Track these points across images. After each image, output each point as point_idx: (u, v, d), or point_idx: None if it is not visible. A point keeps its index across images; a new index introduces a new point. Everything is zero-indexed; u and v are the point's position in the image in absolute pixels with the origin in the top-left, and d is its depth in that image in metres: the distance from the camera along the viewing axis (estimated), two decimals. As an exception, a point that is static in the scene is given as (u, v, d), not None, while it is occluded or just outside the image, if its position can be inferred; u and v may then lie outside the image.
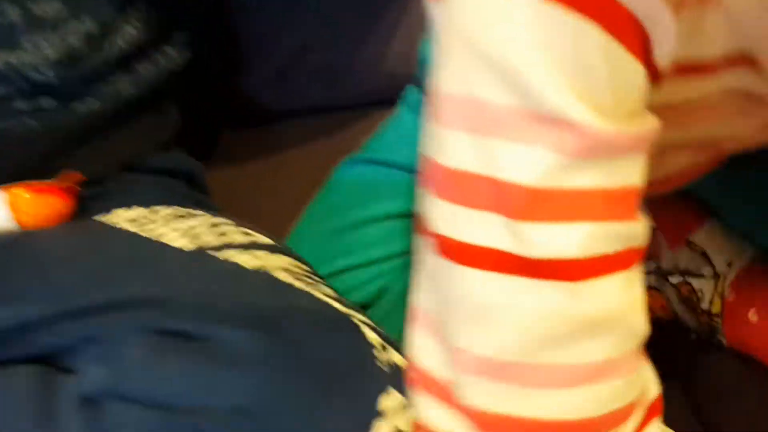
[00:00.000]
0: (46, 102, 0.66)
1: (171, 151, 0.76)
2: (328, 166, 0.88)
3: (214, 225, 0.60)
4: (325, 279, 0.61)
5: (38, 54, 0.65)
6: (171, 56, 0.76)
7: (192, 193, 0.74)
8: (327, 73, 0.91)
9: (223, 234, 0.59)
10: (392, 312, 0.72)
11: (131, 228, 0.60)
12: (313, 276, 0.59)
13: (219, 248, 0.56)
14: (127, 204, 0.66)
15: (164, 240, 0.57)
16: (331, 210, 0.78)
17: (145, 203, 0.66)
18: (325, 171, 0.89)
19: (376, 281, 0.73)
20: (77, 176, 0.65)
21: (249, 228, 0.62)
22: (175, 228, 0.59)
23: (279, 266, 0.56)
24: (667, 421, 0.53)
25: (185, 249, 0.55)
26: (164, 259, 0.54)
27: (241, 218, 0.66)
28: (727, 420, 0.71)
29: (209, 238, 0.57)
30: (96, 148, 0.69)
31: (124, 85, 0.70)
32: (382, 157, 0.79)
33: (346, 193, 0.78)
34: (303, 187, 0.88)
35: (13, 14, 0.64)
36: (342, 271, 0.72)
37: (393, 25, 0.87)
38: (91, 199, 0.66)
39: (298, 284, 0.54)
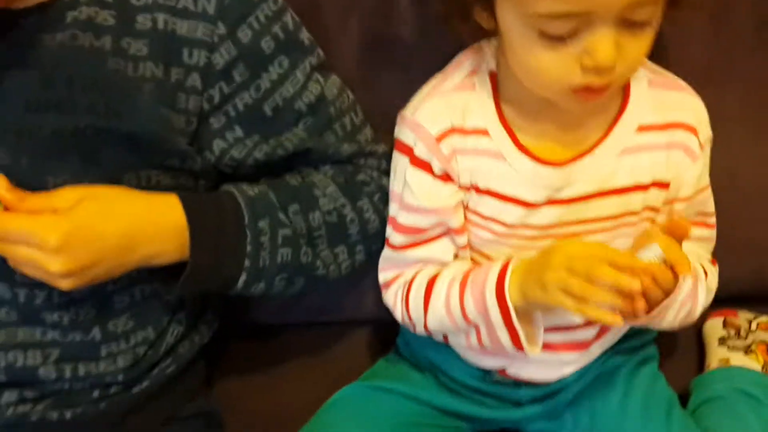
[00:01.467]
0: (113, 388, 0.89)
1: (197, 396, 0.99)
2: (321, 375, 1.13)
3: None
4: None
5: (113, 365, 0.88)
6: (203, 332, 0.99)
7: None
8: (319, 311, 1.16)
9: None
10: None
11: None
12: None
13: None
14: None
15: None
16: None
17: None
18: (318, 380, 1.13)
19: None
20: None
21: None
22: None
23: None
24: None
25: None
26: None
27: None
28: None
29: None
30: (145, 413, 0.92)
31: (167, 365, 0.93)
32: (375, 384, 1.04)
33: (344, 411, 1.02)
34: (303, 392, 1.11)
35: (96, 333, 0.87)
36: None
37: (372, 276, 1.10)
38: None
39: None
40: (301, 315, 1.17)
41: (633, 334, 1.05)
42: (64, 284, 0.78)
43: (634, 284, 0.80)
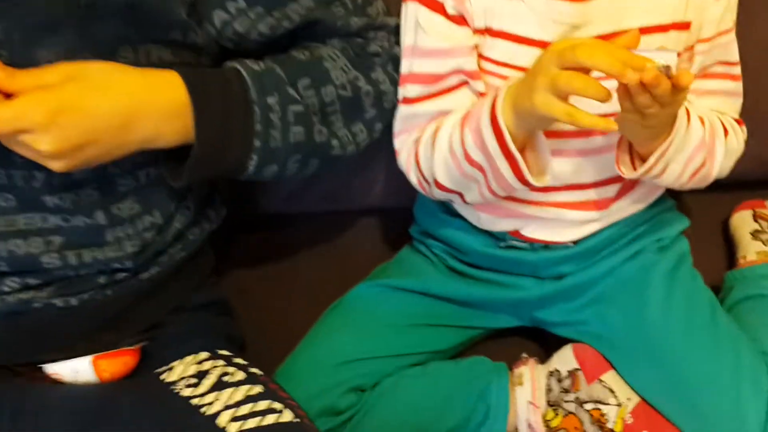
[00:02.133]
0: (120, 274, 0.85)
1: (206, 286, 0.96)
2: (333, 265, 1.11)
3: (251, 398, 0.79)
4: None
5: (119, 250, 0.84)
6: (211, 218, 0.95)
7: (223, 327, 0.95)
8: (330, 199, 1.11)
9: (258, 413, 0.78)
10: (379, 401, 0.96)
11: (188, 392, 0.81)
12: None
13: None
14: (180, 355, 0.86)
15: (214, 411, 0.78)
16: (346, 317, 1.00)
17: (194, 349, 0.87)
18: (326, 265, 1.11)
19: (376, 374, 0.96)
20: (141, 346, 0.86)
21: (276, 400, 0.80)
22: (222, 400, 0.79)
23: None
24: None
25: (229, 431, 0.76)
26: None
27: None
28: None
29: (248, 422, 0.77)
30: (153, 301, 0.89)
31: (176, 251, 0.90)
32: (388, 282, 1.02)
33: (354, 312, 1.01)
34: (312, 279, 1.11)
35: (100, 217, 0.83)
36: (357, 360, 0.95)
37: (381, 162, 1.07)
38: (152, 349, 0.87)
39: None
40: (311, 204, 1.13)
41: (658, 219, 1.00)
42: (56, 165, 0.73)
43: (629, 74, 0.73)
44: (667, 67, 0.74)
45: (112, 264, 0.84)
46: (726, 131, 0.92)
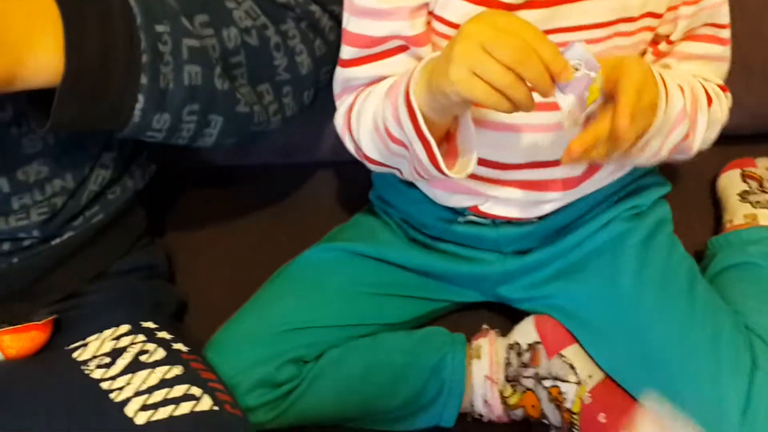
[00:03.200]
0: (27, 241, 0.77)
1: (134, 249, 0.88)
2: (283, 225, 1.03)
3: (167, 383, 0.71)
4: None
5: (26, 219, 0.75)
6: (136, 176, 0.86)
7: (152, 293, 0.87)
8: (282, 148, 1.02)
9: (172, 401, 0.70)
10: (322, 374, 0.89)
11: (99, 373, 0.73)
12: None
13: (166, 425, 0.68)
14: (99, 328, 0.78)
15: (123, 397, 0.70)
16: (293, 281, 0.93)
17: (114, 322, 0.79)
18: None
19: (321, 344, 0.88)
20: (51, 320, 0.78)
21: (196, 384, 0.72)
22: (135, 385, 0.71)
23: None
24: None
25: (136, 422, 0.68)
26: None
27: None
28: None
29: (159, 412, 0.69)
30: (69, 268, 0.81)
31: (93, 214, 0.81)
32: (342, 246, 0.94)
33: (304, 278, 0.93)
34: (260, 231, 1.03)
35: (3, 184, 0.74)
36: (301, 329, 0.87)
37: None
38: (69, 322, 0.79)
39: None
40: (258, 156, 1.04)
41: (635, 185, 0.91)
42: None
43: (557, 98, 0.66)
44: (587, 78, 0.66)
45: (17, 234, 0.76)
46: (710, 99, 0.83)
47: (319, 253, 0.94)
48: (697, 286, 0.88)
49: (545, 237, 0.91)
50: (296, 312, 0.89)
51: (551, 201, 0.88)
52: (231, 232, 1.04)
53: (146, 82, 0.69)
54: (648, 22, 0.80)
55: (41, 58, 0.65)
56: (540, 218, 0.89)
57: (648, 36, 0.81)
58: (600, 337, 0.89)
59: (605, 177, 0.88)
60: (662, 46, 0.84)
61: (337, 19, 0.83)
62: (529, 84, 0.66)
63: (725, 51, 0.86)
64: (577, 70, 0.67)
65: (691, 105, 0.79)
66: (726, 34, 0.85)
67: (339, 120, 0.84)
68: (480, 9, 0.76)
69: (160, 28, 0.69)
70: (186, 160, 1.02)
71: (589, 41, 0.76)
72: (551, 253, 0.91)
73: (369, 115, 0.78)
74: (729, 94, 0.86)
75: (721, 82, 0.86)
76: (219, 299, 0.96)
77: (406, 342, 0.92)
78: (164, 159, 0.92)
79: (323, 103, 0.87)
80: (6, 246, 0.77)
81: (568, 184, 0.86)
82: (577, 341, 0.90)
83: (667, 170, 0.97)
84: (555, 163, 0.84)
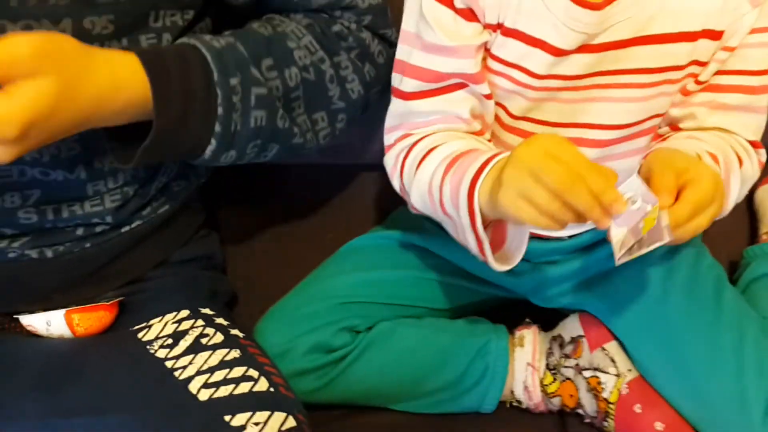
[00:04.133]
0: (100, 227, 0.82)
1: (193, 240, 0.93)
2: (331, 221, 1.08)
3: (226, 364, 0.76)
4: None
5: (100, 205, 0.80)
6: (200, 171, 0.91)
7: (209, 282, 0.92)
8: (330, 149, 1.06)
9: (232, 380, 0.75)
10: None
11: (163, 353, 0.78)
12: None
13: (226, 403, 0.73)
14: (160, 312, 0.83)
15: (186, 375, 0.75)
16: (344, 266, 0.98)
17: (175, 307, 0.84)
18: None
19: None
20: (118, 301, 0.83)
21: (252, 367, 0.77)
22: (196, 365, 0.76)
23: None
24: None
25: (199, 398, 0.73)
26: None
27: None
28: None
29: (220, 390, 0.74)
30: (135, 255, 0.86)
31: (160, 205, 0.86)
32: (389, 235, 0.99)
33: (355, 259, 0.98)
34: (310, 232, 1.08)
35: (81, 172, 0.79)
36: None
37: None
38: (132, 305, 0.84)
39: None
40: (308, 156, 1.07)
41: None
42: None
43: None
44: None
45: (91, 219, 0.81)
46: (741, 161, 0.84)
47: (367, 240, 1.00)
48: (723, 292, 0.92)
49: (575, 251, 0.95)
50: (350, 287, 0.95)
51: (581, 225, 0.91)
52: (279, 228, 1.10)
53: (219, 130, 0.76)
54: (693, 69, 0.83)
55: (124, 121, 0.72)
56: (570, 237, 0.93)
57: (690, 82, 0.84)
58: (630, 339, 0.93)
59: None
60: (690, 86, 0.86)
61: (388, 41, 0.89)
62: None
63: (755, 101, 0.86)
64: (633, 202, 0.68)
65: (725, 173, 0.81)
66: (757, 81, 0.85)
67: (390, 161, 0.88)
68: (534, 50, 0.80)
69: (233, 81, 0.76)
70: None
71: (635, 85, 0.81)
72: (581, 264, 0.95)
73: (425, 175, 0.82)
74: (762, 150, 0.88)
75: (752, 137, 0.87)
76: (265, 291, 1.00)
77: (452, 324, 0.97)
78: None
79: (371, 110, 0.91)
80: (80, 231, 0.81)
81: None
82: (616, 338, 0.94)
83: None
84: None
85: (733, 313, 0.89)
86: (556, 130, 0.85)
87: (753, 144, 0.87)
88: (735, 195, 0.84)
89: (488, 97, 0.83)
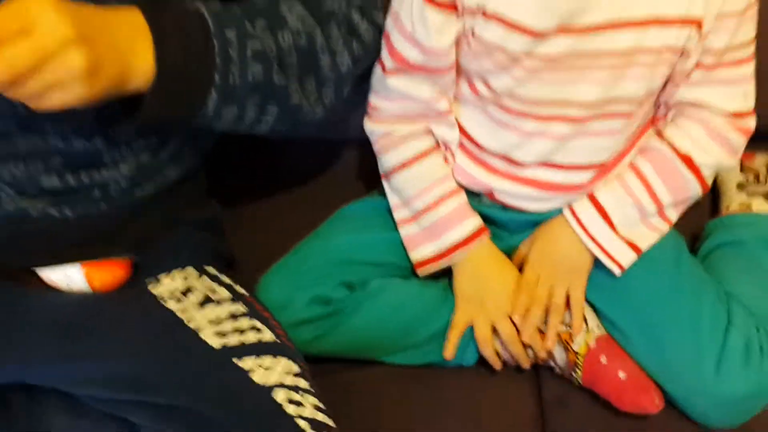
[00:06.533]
0: (114, 190, 0.88)
1: (199, 203, 0.99)
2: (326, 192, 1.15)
3: (234, 317, 0.84)
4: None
5: (116, 171, 0.87)
6: (206, 138, 0.97)
7: (213, 243, 0.99)
8: (326, 126, 1.12)
9: (239, 331, 0.82)
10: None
11: (173, 305, 0.84)
12: (303, 380, 0.81)
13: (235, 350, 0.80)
14: (169, 269, 0.90)
15: (196, 325, 0.82)
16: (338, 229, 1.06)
17: (183, 263, 0.90)
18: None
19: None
20: (131, 261, 0.89)
21: (257, 319, 0.84)
22: (206, 316, 0.83)
23: (277, 381, 0.79)
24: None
25: (213, 347, 0.80)
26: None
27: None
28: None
29: (230, 339, 0.81)
30: (147, 216, 0.92)
31: (171, 172, 0.92)
32: (381, 200, 1.06)
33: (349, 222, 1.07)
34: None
35: (98, 141, 0.85)
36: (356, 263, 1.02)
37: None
38: (142, 263, 0.91)
39: (288, 408, 0.77)
40: (307, 129, 1.14)
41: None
42: (81, 89, 0.69)
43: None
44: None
45: (107, 182, 0.87)
46: (691, 162, 0.94)
47: (365, 203, 1.08)
48: (682, 259, 1.00)
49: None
50: (346, 247, 1.03)
51: (555, 199, 1.00)
52: (277, 197, 1.17)
53: (218, 81, 0.80)
54: (669, 56, 0.88)
55: (141, 64, 0.76)
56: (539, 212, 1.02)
57: (667, 67, 0.90)
58: (599, 302, 1.02)
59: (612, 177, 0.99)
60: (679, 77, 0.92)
61: (375, 23, 0.95)
62: None
63: (741, 71, 0.92)
64: None
65: (651, 204, 0.96)
66: (741, 54, 0.90)
67: (373, 132, 1.01)
68: (513, 34, 0.86)
69: (229, 33, 0.81)
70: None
71: (607, 67, 0.88)
72: None
73: (400, 195, 1.01)
74: (748, 118, 0.94)
75: (735, 107, 0.93)
76: (261, 256, 1.07)
77: (439, 282, 1.05)
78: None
79: (354, 88, 0.96)
80: (97, 193, 0.87)
81: (575, 187, 0.98)
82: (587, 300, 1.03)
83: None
84: (560, 167, 0.96)
85: (691, 278, 0.98)
86: (537, 108, 0.92)
87: (736, 115, 0.93)
88: (694, 184, 0.96)
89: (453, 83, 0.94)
